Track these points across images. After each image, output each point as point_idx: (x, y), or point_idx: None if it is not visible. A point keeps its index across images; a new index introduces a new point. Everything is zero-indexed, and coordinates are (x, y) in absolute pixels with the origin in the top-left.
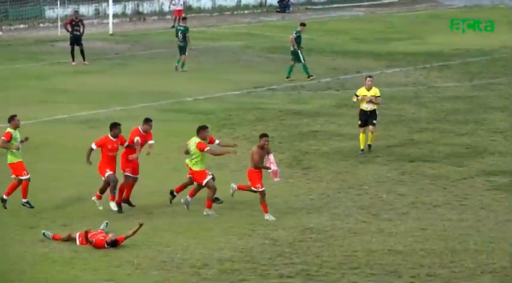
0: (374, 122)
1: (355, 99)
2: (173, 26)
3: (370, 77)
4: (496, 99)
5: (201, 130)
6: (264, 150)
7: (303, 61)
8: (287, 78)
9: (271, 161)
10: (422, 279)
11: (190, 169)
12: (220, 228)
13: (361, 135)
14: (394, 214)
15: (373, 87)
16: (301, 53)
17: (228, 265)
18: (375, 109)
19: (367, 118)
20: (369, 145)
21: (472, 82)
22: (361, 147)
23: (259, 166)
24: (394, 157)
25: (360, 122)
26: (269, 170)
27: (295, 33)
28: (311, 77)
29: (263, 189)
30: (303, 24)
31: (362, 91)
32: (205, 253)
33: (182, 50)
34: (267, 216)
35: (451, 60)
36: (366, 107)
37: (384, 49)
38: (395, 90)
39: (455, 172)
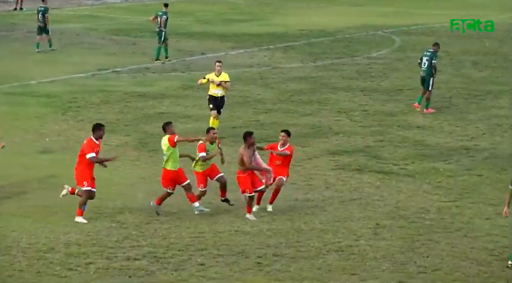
0: (221, 110)
1: (204, 81)
2: (15, 9)
3: (219, 62)
4: (339, 80)
5: (167, 126)
6: (251, 149)
7: (160, 43)
8: (156, 60)
9: (258, 161)
10: (269, 258)
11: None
12: (66, 212)
13: (212, 120)
14: (241, 196)
15: (223, 72)
16: (164, 35)
17: (74, 249)
18: (224, 95)
19: (217, 103)
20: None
21: (315, 63)
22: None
23: (250, 167)
24: (239, 139)
25: (211, 106)
26: (258, 171)
27: (164, 15)
28: (159, 61)
29: (252, 194)
30: (166, 5)
31: (211, 76)
32: (52, 237)
33: (43, 30)
34: (249, 216)
35: (295, 41)
36: (216, 92)
37: (228, 30)
38: (240, 72)
39: (301, 153)
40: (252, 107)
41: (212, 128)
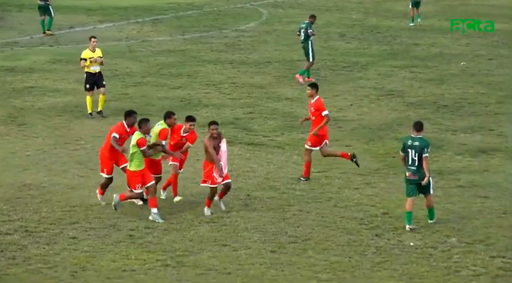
0: (104, 83)
1: (87, 63)
2: None
3: (94, 37)
4: (208, 53)
5: (143, 123)
6: (217, 140)
7: (43, 16)
8: (44, 33)
9: (222, 151)
10: (141, 231)
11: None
12: None
13: (89, 99)
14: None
15: (97, 48)
16: (51, 8)
17: None
18: (100, 70)
19: (95, 80)
20: (101, 112)
21: (184, 36)
22: (89, 111)
23: (213, 158)
24: (109, 112)
25: (87, 86)
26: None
27: None
28: (49, 32)
29: (215, 186)
30: None
31: (87, 53)
32: None
33: None
34: (206, 210)
35: (163, 14)
36: (94, 69)
37: (96, 4)
38: (108, 45)
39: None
40: (120, 80)
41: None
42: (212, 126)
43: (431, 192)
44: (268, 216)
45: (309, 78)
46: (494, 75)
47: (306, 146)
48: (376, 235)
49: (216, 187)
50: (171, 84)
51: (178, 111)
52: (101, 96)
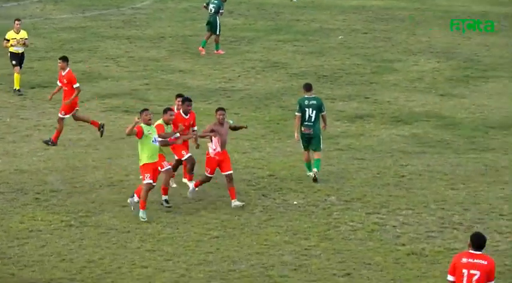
0: (22, 65)
1: (8, 44)
2: None
3: (18, 20)
4: (107, 29)
5: (141, 113)
6: (222, 126)
7: None
8: None
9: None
10: (46, 194)
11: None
12: None
13: (17, 76)
14: (18, 137)
15: (22, 30)
16: None
17: None
18: (24, 51)
19: (19, 59)
20: (19, 90)
21: (84, 13)
22: (17, 87)
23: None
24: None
25: (14, 62)
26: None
27: None
28: None
29: (210, 176)
30: None
31: (11, 34)
32: None
33: None
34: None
35: None
36: (17, 49)
37: None
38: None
39: None
40: (26, 55)
41: (169, 109)
42: (219, 112)
43: (321, 147)
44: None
45: (218, 50)
46: (369, 48)
47: (60, 115)
48: (263, 195)
49: (210, 177)
50: (73, 58)
51: (81, 83)
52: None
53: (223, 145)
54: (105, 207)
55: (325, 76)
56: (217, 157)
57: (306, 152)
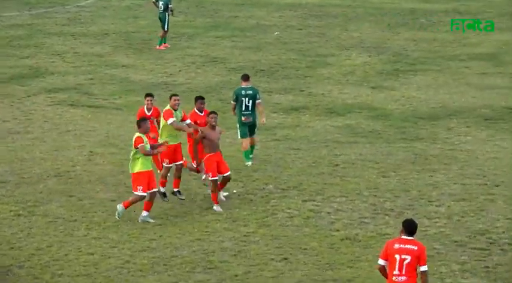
0: None
1: None
2: None
3: None
4: (53, 26)
5: (142, 123)
6: (217, 129)
7: None
8: None
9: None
10: None
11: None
12: None
13: None
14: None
15: None
16: None
17: None
18: None
19: None
20: None
21: (30, 11)
22: None
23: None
24: None
25: None
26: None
27: None
28: None
29: (215, 178)
30: None
31: None
32: None
33: None
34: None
35: None
36: None
37: None
38: None
39: (20, 91)
40: None
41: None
42: (211, 115)
43: (256, 132)
44: (108, 170)
45: (160, 45)
46: (304, 43)
47: None
48: (204, 184)
49: (216, 180)
50: (20, 54)
51: (28, 78)
52: None
53: (215, 148)
54: (53, 197)
55: (262, 70)
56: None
57: (245, 140)
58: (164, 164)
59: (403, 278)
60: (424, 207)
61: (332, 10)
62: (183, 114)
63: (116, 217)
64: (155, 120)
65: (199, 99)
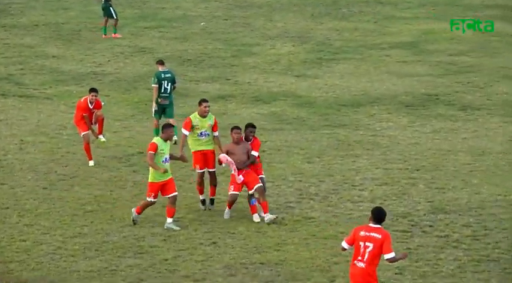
0: None
1: None
2: None
3: None
4: None
5: (165, 128)
6: (242, 145)
7: None
8: None
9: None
10: None
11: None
12: None
13: None
14: None
15: None
16: None
17: None
18: None
19: None
20: None
21: None
22: None
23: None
24: None
25: None
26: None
27: None
28: None
29: (234, 193)
30: None
31: None
32: None
33: None
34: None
35: None
36: None
37: None
38: None
39: None
40: None
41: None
42: (234, 131)
43: (173, 115)
44: (39, 158)
45: (115, 33)
46: (229, 33)
47: None
48: (134, 171)
49: (235, 194)
50: None
51: None
52: None
53: (240, 165)
54: None
55: (189, 60)
56: (242, 179)
57: (157, 121)
58: (196, 170)
59: (362, 265)
60: (347, 191)
61: (257, 1)
62: (214, 121)
63: (173, 229)
64: (96, 111)
65: (251, 127)
